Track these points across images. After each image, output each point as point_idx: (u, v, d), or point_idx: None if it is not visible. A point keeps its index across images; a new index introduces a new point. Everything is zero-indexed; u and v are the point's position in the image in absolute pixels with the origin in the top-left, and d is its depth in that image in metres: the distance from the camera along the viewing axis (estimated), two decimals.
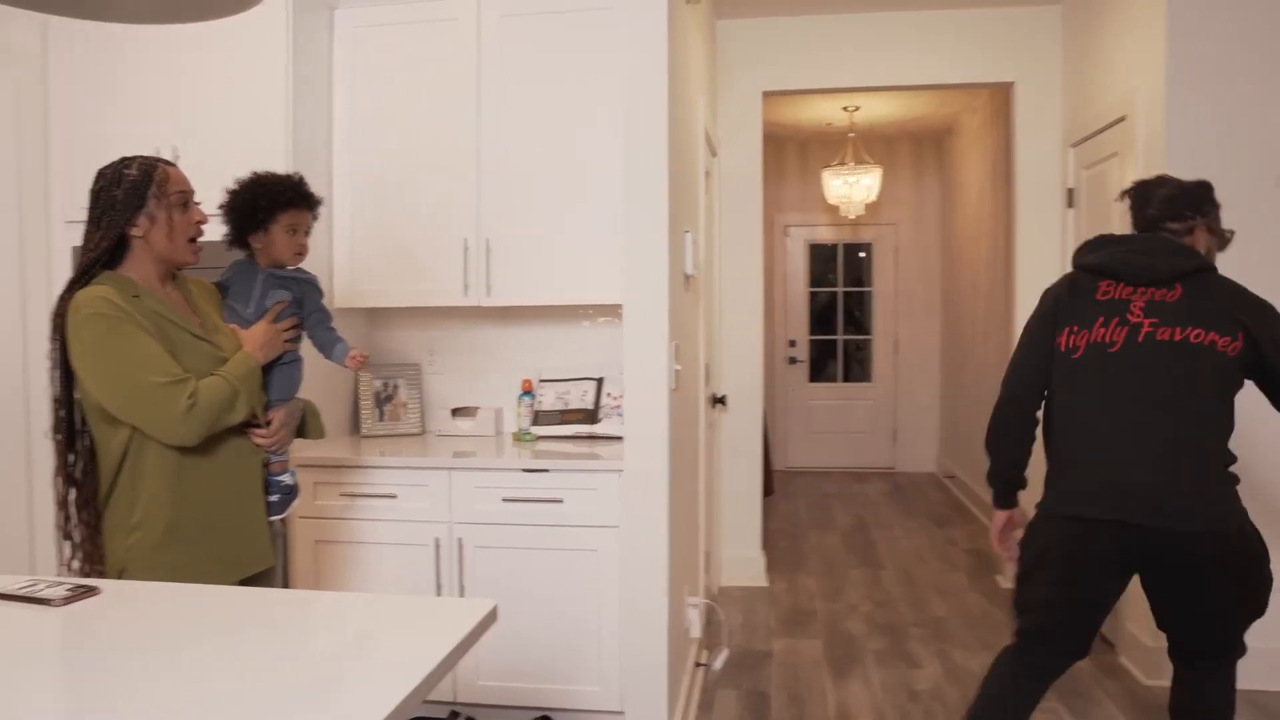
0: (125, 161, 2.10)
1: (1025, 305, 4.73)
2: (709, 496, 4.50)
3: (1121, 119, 3.92)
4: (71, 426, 2.07)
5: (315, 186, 2.48)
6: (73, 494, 2.06)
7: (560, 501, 3.08)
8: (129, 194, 2.06)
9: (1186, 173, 3.48)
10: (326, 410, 3.43)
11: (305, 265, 2.45)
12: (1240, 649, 2.34)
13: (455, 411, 3.73)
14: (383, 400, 3.75)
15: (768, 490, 6.09)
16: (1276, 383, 2.30)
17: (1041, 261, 4.71)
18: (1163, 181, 2.52)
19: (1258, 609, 2.29)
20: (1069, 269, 2.73)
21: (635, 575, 3.00)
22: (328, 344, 2.45)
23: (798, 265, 8.36)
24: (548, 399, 3.65)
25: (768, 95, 4.98)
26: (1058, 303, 2.46)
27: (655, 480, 2.98)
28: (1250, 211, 3.48)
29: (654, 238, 2.97)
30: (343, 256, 3.55)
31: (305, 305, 2.40)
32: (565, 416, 3.60)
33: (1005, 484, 2.61)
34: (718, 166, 4.90)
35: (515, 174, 3.40)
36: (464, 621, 1.53)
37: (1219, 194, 3.44)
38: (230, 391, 2.09)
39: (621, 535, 3.03)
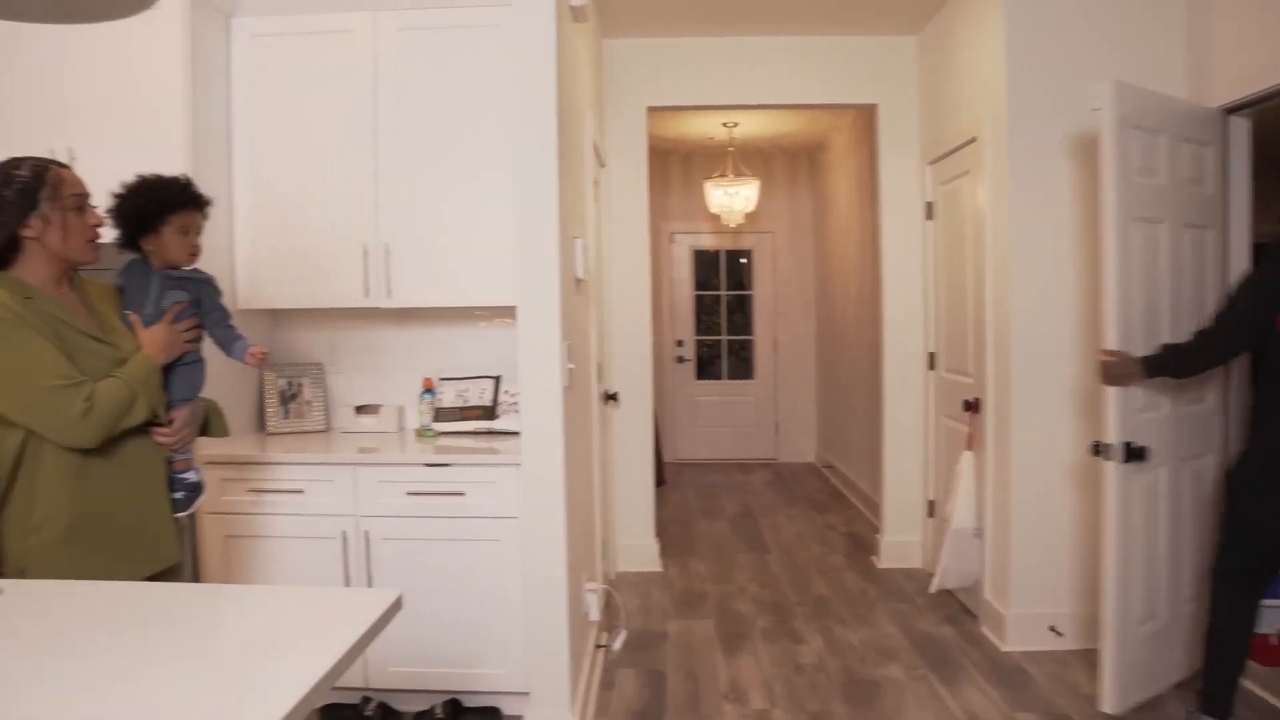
0: (15, 162, 1.98)
1: (893, 307, 4.87)
2: (604, 487, 4.50)
3: (972, 140, 4.07)
4: None
5: (214, 189, 2.40)
6: None
7: (462, 495, 3.04)
8: (20, 195, 1.95)
9: (1026, 190, 3.64)
10: (231, 409, 3.30)
11: (204, 266, 2.37)
12: None
13: (359, 409, 3.65)
14: (287, 398, 3.64)
15: (660, 481, 6.12)
16: None
17: (904, 267, 4.86)
18: None
19: None
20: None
21: (536, 563, 2.98)
22: (227, 341, 2.38)
23: (683, 270, 8.43)
24: (448, 397, 3.59)
25: (652, 110, 5.00)
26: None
27: (551, 473, 2.97)
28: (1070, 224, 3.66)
29: (545, 244, 2.96)
30: (244, 258, 3.43)
31: (203, 304, 2.31)
32: (465, 413, 3.55)
33: (1165, 371, 2.97)
34: (606, 177, 4.91)
35: (412, 181, 3.34)
36: (370, 611, 1.50)
37: (1048, 210, 3.65)
38: (129, 394, 2.00)
39: (521, 525, 3.00)
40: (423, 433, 3.53)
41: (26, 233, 1.96)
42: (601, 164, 4.70)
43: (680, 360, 8.44)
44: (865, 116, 5.78)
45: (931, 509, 4.83)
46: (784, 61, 4.87)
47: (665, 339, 8.37)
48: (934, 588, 4.22)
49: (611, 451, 4.89)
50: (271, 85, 3.41)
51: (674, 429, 8.37)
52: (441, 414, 3.56)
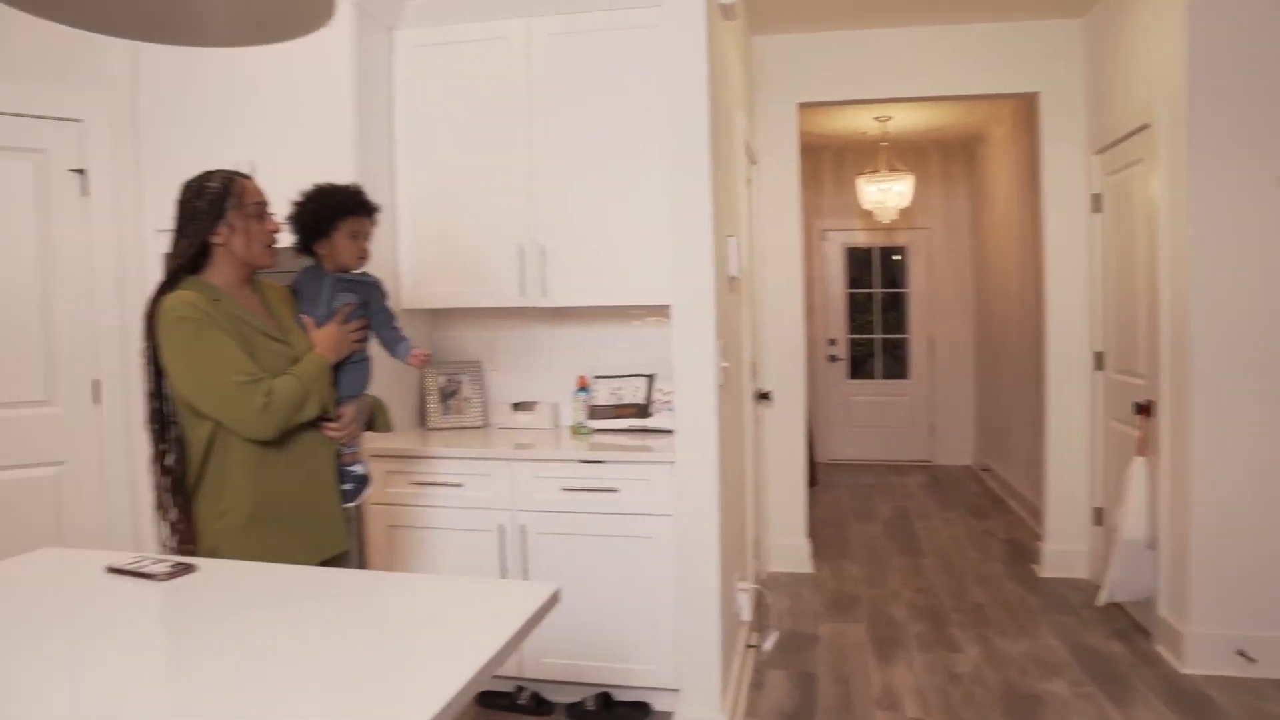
0: (207, 175, 2.12)
1: (1056, 304, 4.62)
2: (756, 487, 4.45)
3: (1144, 127, 3.81)
4: (163, 418, 2.09)
5: (379, 196, 2.49)
6: (166, 480, 2.08)
7: (616, 491, 3.05)
8: (210, 205, 2.08)
9: (1207, 179, 3.37)
10: (395, 405, 3.44)
11: (371, 269, 2.45)
12: None
13: (515, 406, 3.72)
14: (447, 395, 3.75)
15: (812, 481, 6.01)
16: None
17: (1070, 264, 4.60)
18: None
19: None
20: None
21: (688, 561, 2.97)
22: (392, 342, 2.44)
23: (835, 268, 8.26)
24: (602, 394, 3.62)
25: (803, 107, 4.91)
26: None
27: (705, 471, 2.95)
28: (1269, 215, 3.36)
29: (699, 242, 2.94)
30: (407, 261, 3.55)
31: (370, 307, 2.39)
32: (619, 411, 3.57)
33: None
34: (758, 175, 4.85)
35: (566, 183, 3.37)
36: (529, 603, 1.52)
37: (1234, 200, 3.35)
38: (302, 390, 2.09)
39: (674, 523, 3.00)
40: (577, 430, 3.57)
41: (214, 239, 2.10)
42: (753, 162, 4.65)
43: (833, 359, 8.28)
44: (1026, 105, 5.51)
45: (1099, 517, 4.55)
46: (939, 51, 4.69)
47: (817, 337, 8.22)
48: (1102, 600, 3.97)
49: (764, 450, 4.83)
50: (430, 94, 3.51)
51: (826, 429, 8.21)
52: (596, 411, 3.60)
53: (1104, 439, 4.45)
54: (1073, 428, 4.66)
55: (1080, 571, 4.67)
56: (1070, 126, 4.60)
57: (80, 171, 3.35)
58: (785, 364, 4.93)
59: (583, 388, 3.65)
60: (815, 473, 6.90)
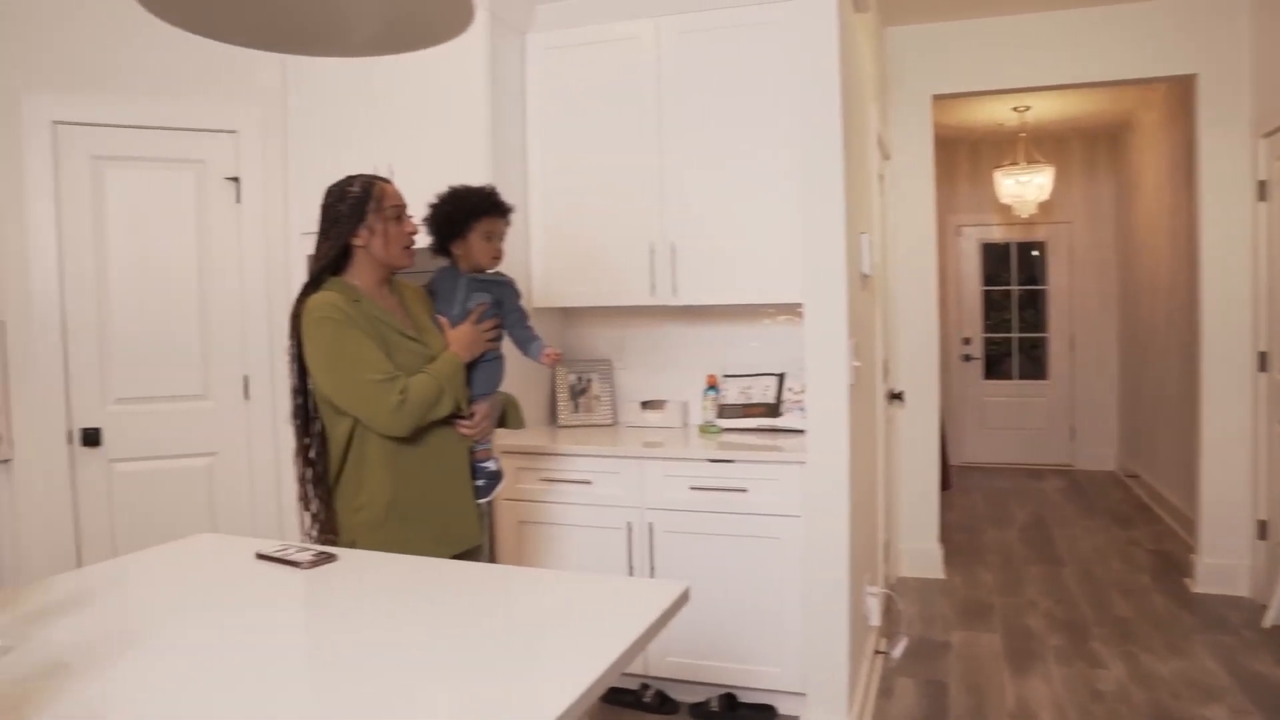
0: (349, 180, 2.19)
1: (1213, 301, 4.33)
2: (887, 489, 4.35)
3: None
4: (306, 414, 2.17)
5: (512, 197, 2.51)
6: (308, 473, 2.16)
7: (745, 491, 3.02)
8: (351, 209, 2.15)
9: None
10: (526, 402, 3.49)
11: (504, 269, 2.47)
12: None
13: (644, 404, 3.72)
14: (577, 393, 3.78)
15: (945, 485, 5.82)
16: None
17: (1230, 256, 4.29)
18: None
19: None
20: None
21: (817, 563, 2.91)
22: (525, 341, 2.46)
23: (970, 264, 7.98)
24: (731, 393, 3.59)
25: (937, 99, 4.75)
26: None
27: (836, 472, 2.89)
28: None
29: (831, 240, 2.90)
30: (539, 260, 3.59)
31: (504, 306, 2.42)
32: (748, 410, 3.52)
33: None
34: (890, 169, 4.72)
35: (696, 181, 3.35)
36: (659, 601, 1.51)
37: None
38: (437, 388, 2.13)
39: (803, 524, 2.94)
40: (706, 429, 3.55)
41: (355, 242, 2.16)
42: (885, 156, 4.54)
43: (967, 359, 8.00)
44: (1181, 88, 5.18)
45: (1263, 530, 4.23)
46: (1084, 35, 4.45)
47: (951, 336, 7.96)
48: (1268, 621, 3.70)
49: (895, 452, 4.71)
50: (561, 96, 3.54)
51: (960, 430, 7.94)
52: (725, 410, 3.57)
53: (1269, 445, 4.13)
54: (1232, 433, 4.35)
55: (1241, 589, 4.35)
56: (1233, 109, 4.29)
57: (235, 179, 3.52)
58: (918, 363, 4.79)
59: (712, 386, 3.63)
60: (948, 476, 6.67)
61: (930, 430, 4.80)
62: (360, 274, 2.19)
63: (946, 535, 5.46)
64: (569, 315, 3.95)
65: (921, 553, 4.80)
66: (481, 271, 2.40)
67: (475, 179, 2.51)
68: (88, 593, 1.63)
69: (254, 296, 3.58)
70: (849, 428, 2.90)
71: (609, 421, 3.77)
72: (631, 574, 3.15)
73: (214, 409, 3.53)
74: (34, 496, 3.26)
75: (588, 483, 3.21)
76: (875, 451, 3.82)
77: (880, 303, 4.12)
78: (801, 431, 3.34)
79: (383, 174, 3.30)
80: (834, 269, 2.89)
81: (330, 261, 2.15)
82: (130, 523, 3.39)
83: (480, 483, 2.34)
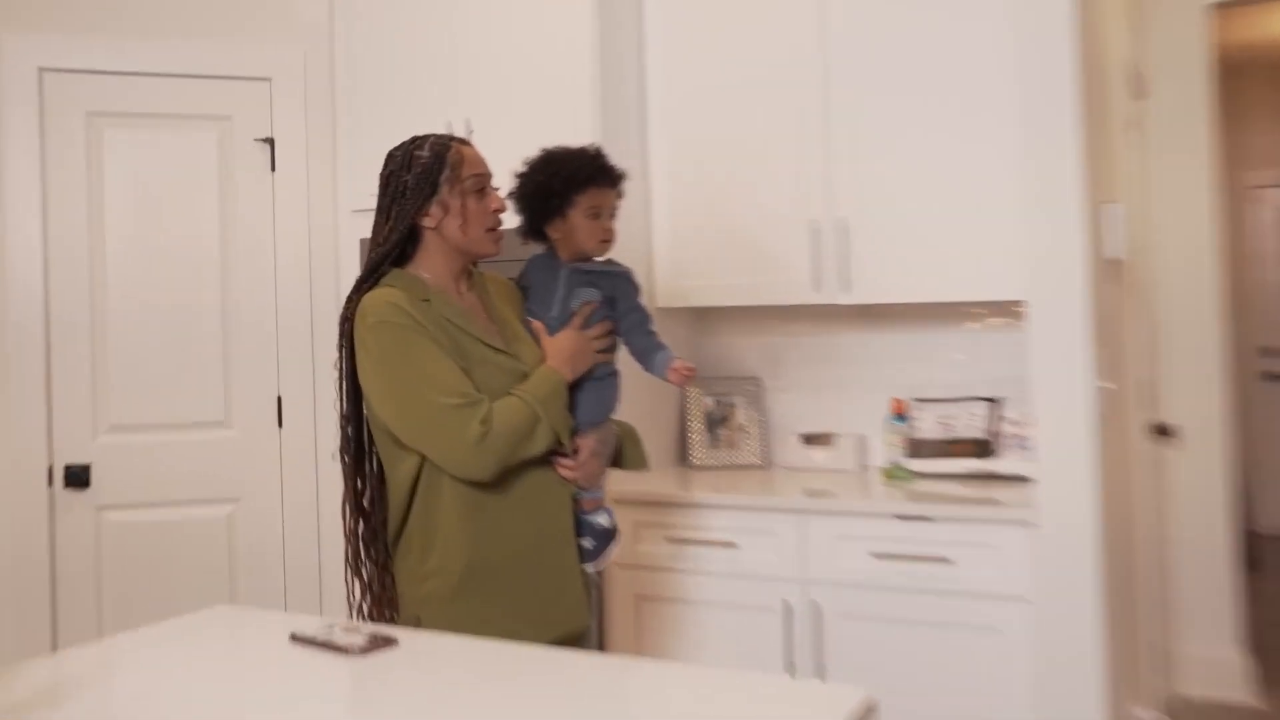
0: (416, 142, 2.25)
1: None
2: (1159, 566, 4.24)
3: None
4: (359, 449, 2.23)
5: (628, 163, 2.54)
6: (361, 527, 2.23)
7: (947, 561, 2.97)
8: (420, 179, 2.20)
9: None
10: (648, 434, 3.48)
11: (618, 255, 2.51)
12: None
13: (806, 438, 3.72)
14: (716, 423, 3.79)
15: (1250, 563, 5.60)
16: None
17: None
18: None
19: None
20: None
21: (1054, 668, 2.84)
22: (646, 352, 2.46)
23: (1270, 242, 7.71)
24: (926, 424, 3.54)
25: (1219, 7, 4.60)
26: None
27: (1081, 538, 2.82)
28: None
29: (1064, 214, 2.87)
30: (664, 245, 3.65)
31: (618, 305, 2.44)
32: (950, 448, 3.47)
33: None
34: (1146, 112, 4.59)
35: (875, 141, 3.36)
36: (830, 713, 1.48)
37: None
38: (530, 415, 2.15)
39: (1033, 611, 2.87)
40: (892, 472, 3.50)
41: (425, 222, 2.21)
42: (1140, 96, 4.42)
43: (1274, 378, 7.72)
44: None
45: None
46: None
47: (1247, 346, 7.66)
48: None
49: (1169, 511, 4.56)
50: (694, 34, 3.61)
51: (1267, 483, 7.65)
52: (918, 447, 3.52)
53: None
54: None
55: None
56: None
57: (268, 141, 3.67)
58: (1196, 385, 4.61)
59: (899, 415, 3.58)
60: (1254, 549, 6.42)
61: (1220, 481, 4.61)
62: (431, 264, 2.24)
63: (1258, 638, 5.23)
64: (704, 318, 3.97)
65: (1216, 664, 4.59)
66: (588, 260, 2.43)
67: (578, 138, 2.54)
68: (68, 685, 1.67)
69: (292, 294, 3.71)
70: (1097, 475, 2.83)
71: (758, 462, 3.77)
72: (791, 673, 3.13)
73: (238, 441, 3.66)
74: (1, 554, 3.41)
75: (731, 545, 3.20)
76: (1136, 510, 3.72)
77: (1138, 299, 4.02)
78: (1027, 479, 3.27)
79: (459, 134, 3.37)
80: (1068, 252, 2.84)
81: (392, 248, 2.21)
82: (125, 590, 3.52)
83: (588, 544, 2.35)
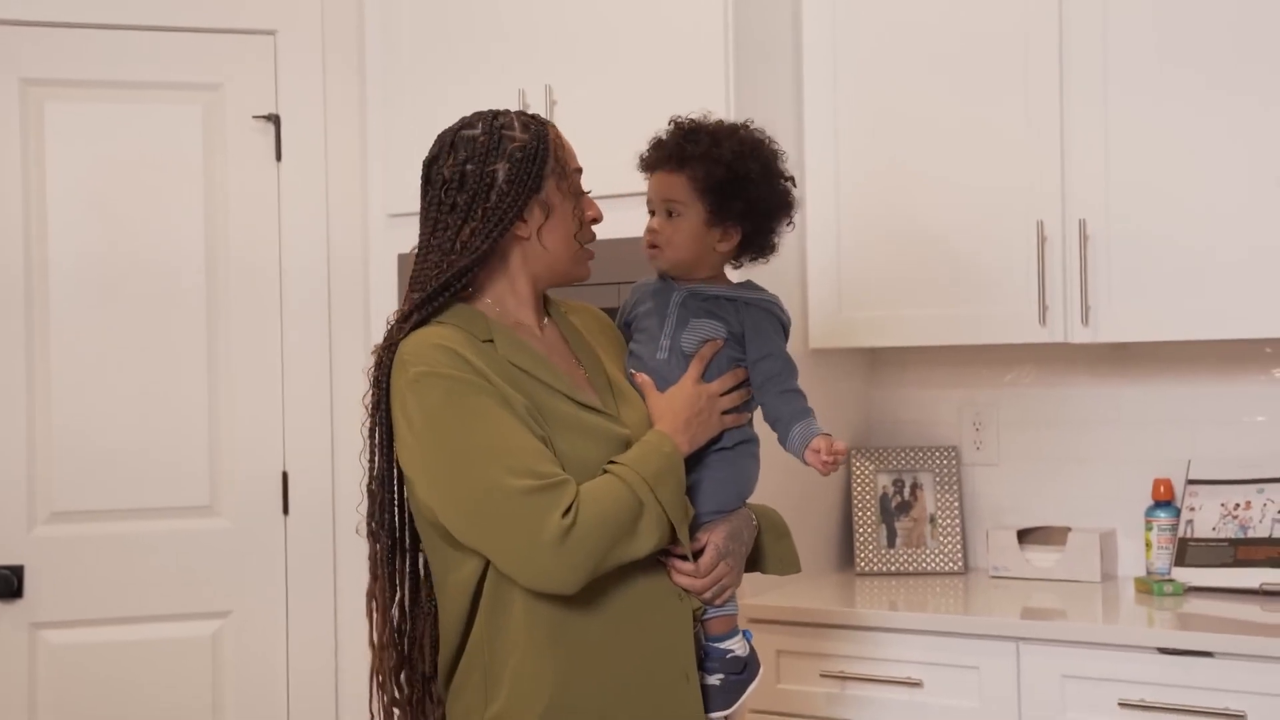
0: (501, 118, 2.26)
1: None
2: None
3: None
4: (396, 539, 2.25)
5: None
6: (397, 648, 2.25)
7: (1237, 717, 2.93)
8: (520, 170, 2.20)
9: None
10: (799, 527, 3.47)
11: (758, 276, 2.55)
12: None
13: (1024, 535, 3.70)
14: (894, 510, 3.81)
15: None
16: None
17: None
18: None
19: None
20: None
21: None
22: (787, 418, 2.40)
23: None
24: (1203, 516, 3.50)
25: None
26: None
27: None
28: None
29: None
30: (821, 261, 3.68)
31: (751, 346, 2.41)
32: (1239, 552, 3.44)
33: None
34: None
35: (1135, 114, 3.35)
36: None
37: None
38: (633, 502, 2.11)
39: None
40: (1152, 586, 3.47)
41: (520, 230, 2.22)
42: None
43: None
44: None
45: None
46: None
47: None
48: None
49: None
50: (870, 7, 3.66)
51: None
52: (1190, 552, 3.48)
53: None
54: None
55: None
56: None
57: (271, 119, 3.73)
58: None
59: (1163, 502, 3.56)
60: None
61: None
62: (503, 291, 2.27)
63: None
64: (878, 365, 4.04)
65: None
66: (710, 283, 2.45)
67: (703, 108, 2.54)
68: None
69: (303, 330, 3.77)
70: None
71: (954, 567, 3.78)
72: None
73: (229, 531, 3.71)
74: None
75: (915, 684, 3.21)
76: None
77: None
78: None
79: (535, 109, 3.39)
80: None
81: (467, 267, 2.20)
82: None
83: (715, 680, 2.32)
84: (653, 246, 2.40)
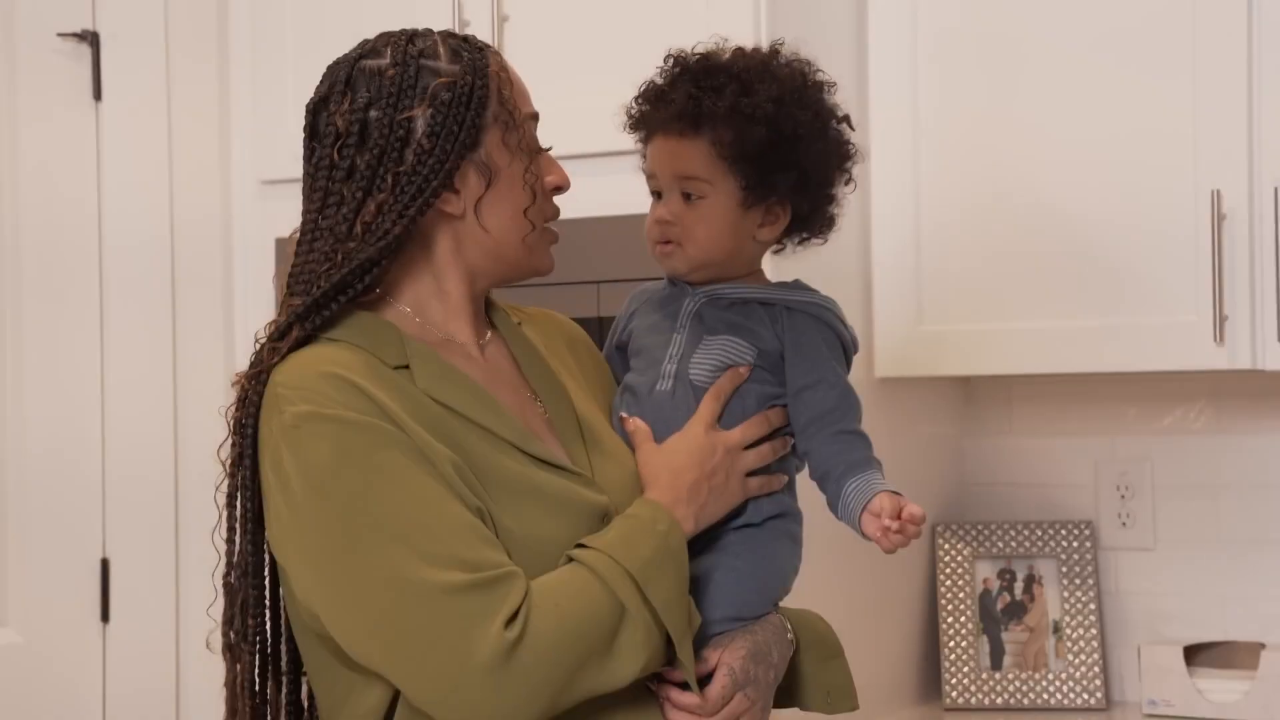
0: (413, 40, 2.22)
1: None
2: None
3: None
4: (265, 647, 2.20)
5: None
6: None
7: None
8: (447, 120, 2.15)
9: None
10: (859, 638, 3.51)
11: (805, 274, 2.51)
12: None
13: (1194, 653, 3.71)
14: (1000, 616, 3.83)
15: None
16: None
17: None
18: None
19: None
20: None
21: None
22: (840, 471, 2.29)
23: None
24: None
25: None
26: None
27: None
28: None
29: None
30: (892, 258, 3.74)
31: (794, 371, 2.37)
32: None
33: None
34: None
35: None
36: None
37: None
38: (611, 606, 2.00)
39: None
40: None
41: (448, 206, 2.18)
42: None
43: None
44: None
45: None
46: None
47: None
48: None
49: None
50: None
51: None
52: None
53: None
54: None
55: None
56: None
57: (86, 37, 3.72)
58: None
59: None
60: None
61: None
62: (425, 293, 2.25)
63: None
64: (975, 398, 4.13)
65: None
66: (741, 281, 2.44)
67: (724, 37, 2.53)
68: None
69: (131, 349, 3.75)
70: None
71: (1091, 701, 3.82)
72: None
73: (22, 652, 3.74)
74: None
75: None
76: None
77: None
78: None
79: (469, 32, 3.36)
80: None
81: (372, 260, 2.10)
82: None
83: None
84: (666, 242, 2.37)
